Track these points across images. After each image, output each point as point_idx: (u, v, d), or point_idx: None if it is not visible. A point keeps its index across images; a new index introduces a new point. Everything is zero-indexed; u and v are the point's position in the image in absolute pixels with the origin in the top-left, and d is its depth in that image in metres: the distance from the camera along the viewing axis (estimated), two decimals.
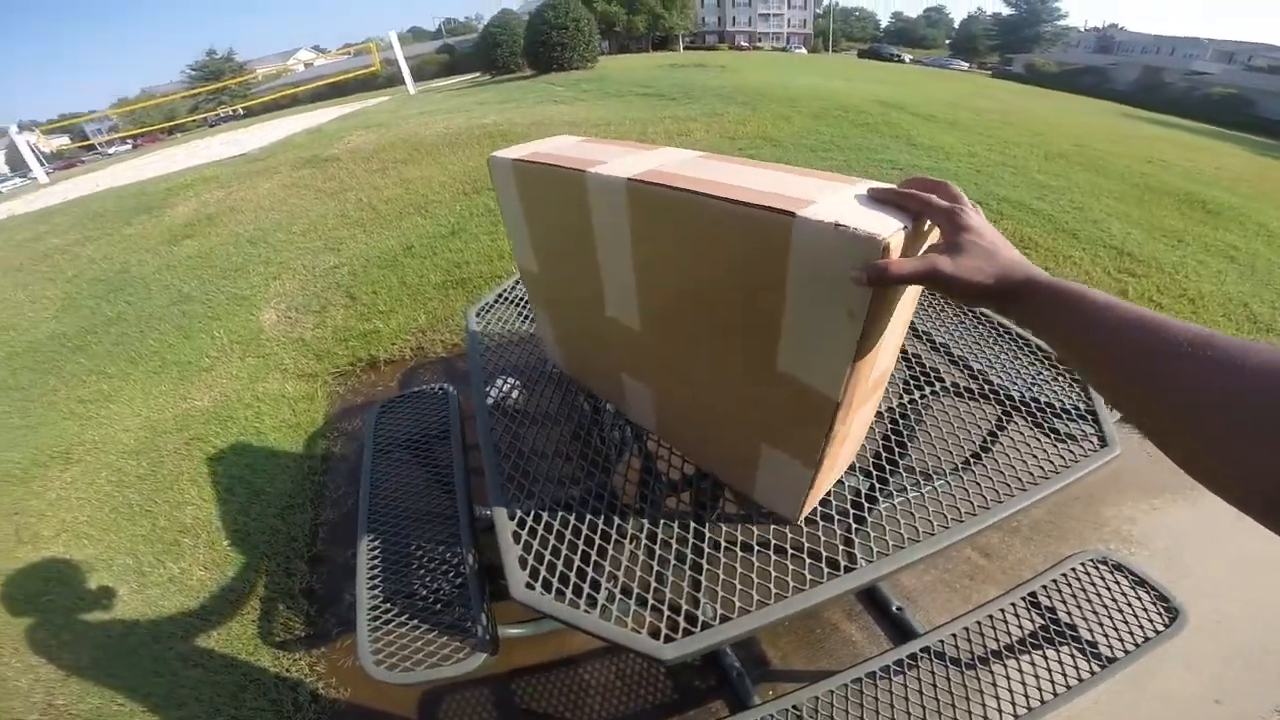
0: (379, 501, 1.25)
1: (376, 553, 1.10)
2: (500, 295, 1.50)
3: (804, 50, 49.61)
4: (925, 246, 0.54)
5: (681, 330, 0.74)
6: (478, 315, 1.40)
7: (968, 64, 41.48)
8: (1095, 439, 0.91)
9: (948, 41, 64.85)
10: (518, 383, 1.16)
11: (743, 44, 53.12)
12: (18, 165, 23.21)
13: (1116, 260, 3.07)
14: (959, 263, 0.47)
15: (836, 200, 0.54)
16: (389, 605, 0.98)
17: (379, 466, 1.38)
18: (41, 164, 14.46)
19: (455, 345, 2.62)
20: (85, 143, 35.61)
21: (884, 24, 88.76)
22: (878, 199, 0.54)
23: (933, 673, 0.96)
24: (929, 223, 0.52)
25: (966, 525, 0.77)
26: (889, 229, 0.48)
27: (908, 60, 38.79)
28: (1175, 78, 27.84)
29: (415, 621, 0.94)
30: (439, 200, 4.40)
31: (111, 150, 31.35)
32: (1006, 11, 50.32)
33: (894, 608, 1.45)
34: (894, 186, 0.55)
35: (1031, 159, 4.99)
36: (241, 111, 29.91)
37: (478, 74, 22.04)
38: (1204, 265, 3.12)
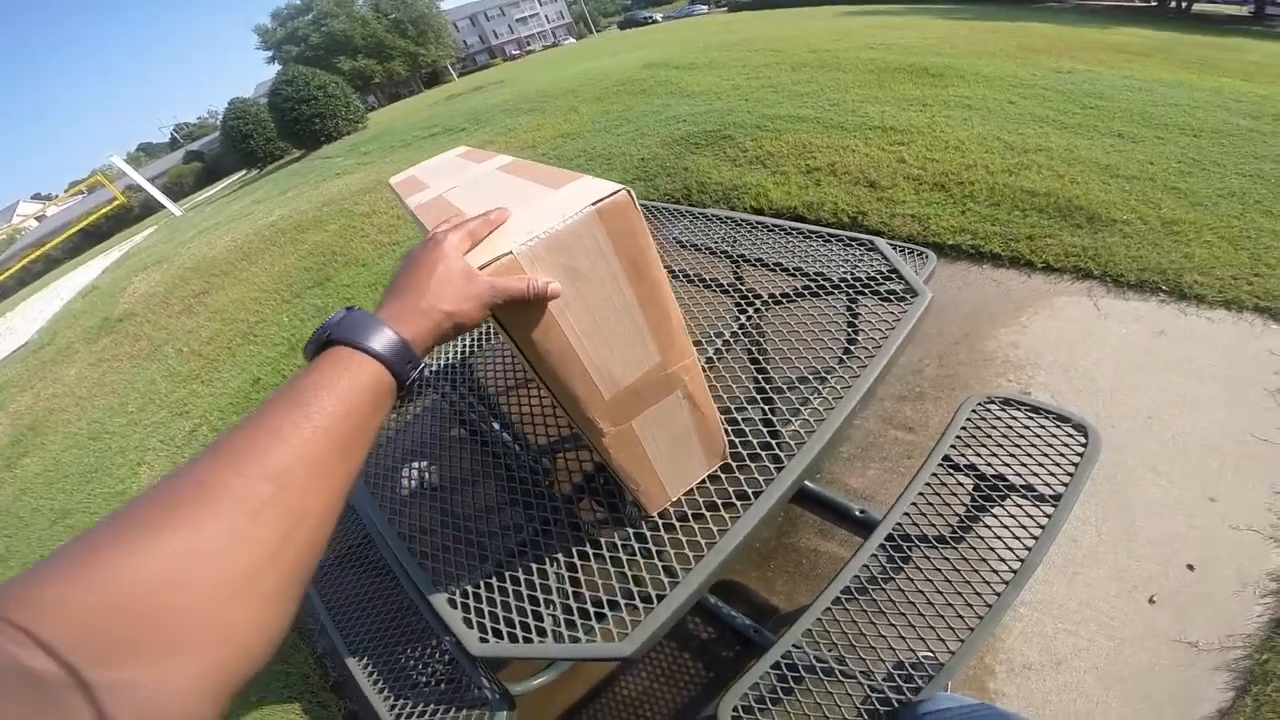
0: (341, 620, 1.22)
1: (367, 663, 1.09)
2: None
3: (573, 40, 50.42)
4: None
5: None
6: None
7: (706, 6, 44.36)
8: (908, 293, 0.99)
9: None
10: (424, 463, 1.16)
11: (514, 53, 52.91)
12: None
13: (885, 136, 3.50)
14: None
15: (515, 216, 0.56)
16: (403, 701, 0.99)
17: (322, 590, 1.35)
18: None
19: None
20: None
21: None
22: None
23: (909, 555, 0.95)
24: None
25: (839, 410, 0.80)
26: (484, 258, 0.49)
27: (660, 19, 40.82)
28: None
29: (432, 706, 0.95)
30: (262, 319, 4.07)
31: None
32: None
33: (856, 512, 1.51)
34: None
35: (783, 75, 5.52)
36: None
37: (244, 172, 20.18)
38: (952, 118, 3.65)
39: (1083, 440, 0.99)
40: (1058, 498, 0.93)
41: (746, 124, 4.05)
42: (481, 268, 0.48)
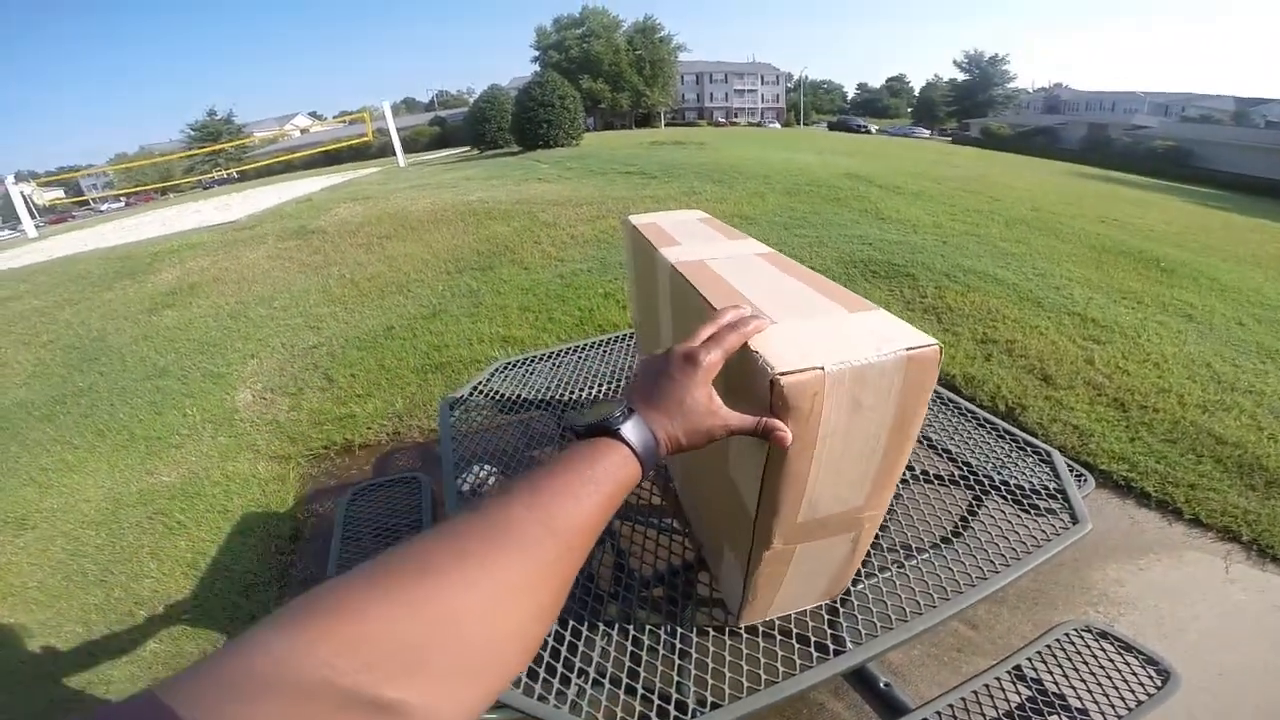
0: None
1: None
2: (475, 388, 1.49)
3: (778, 125, 52.20)
4: (838, 386, 0.51)
5: None
6: (451, 408, 1.40)
7: (929, 131, 43.76)
8: (1067, 516, 0.95)
9: (909, 110, 68.74)
10: (495, 470, 1.16)
11: (720, 120, 55.85)
12: (9, 217, 23.59)
13: (1081, 327, 3.14)
14: None
15: (803, 323, 0.57)
16: None
17: (347, 552, 1.37)
18: (33, 217, 14.54)
19: (432, 430, 2.60)
20: (79, 198, 36.42)
21: (850, 95, 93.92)
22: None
23: None
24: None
25: (951, 604, 0.78)
26: (790, 364, 0.49)
27: (874, 130, 41.10)
28: (1119, 133, 28.58)
29: None
30: (421, 279, 4.47)
31: (104, 207, 31.71)
32: (961, 77, 53.35)
33: (881, 684, 1.39)
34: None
35: (993, 226, 5.20)
36: (236, 175, 30.60)
37: (466, 148, 22.88)
38: (1164, 326, 3.22)
39: (1159, 684, 1.02)
40: None
41: (935, 268, 3.85)
42: (785, 373, 0.48)
